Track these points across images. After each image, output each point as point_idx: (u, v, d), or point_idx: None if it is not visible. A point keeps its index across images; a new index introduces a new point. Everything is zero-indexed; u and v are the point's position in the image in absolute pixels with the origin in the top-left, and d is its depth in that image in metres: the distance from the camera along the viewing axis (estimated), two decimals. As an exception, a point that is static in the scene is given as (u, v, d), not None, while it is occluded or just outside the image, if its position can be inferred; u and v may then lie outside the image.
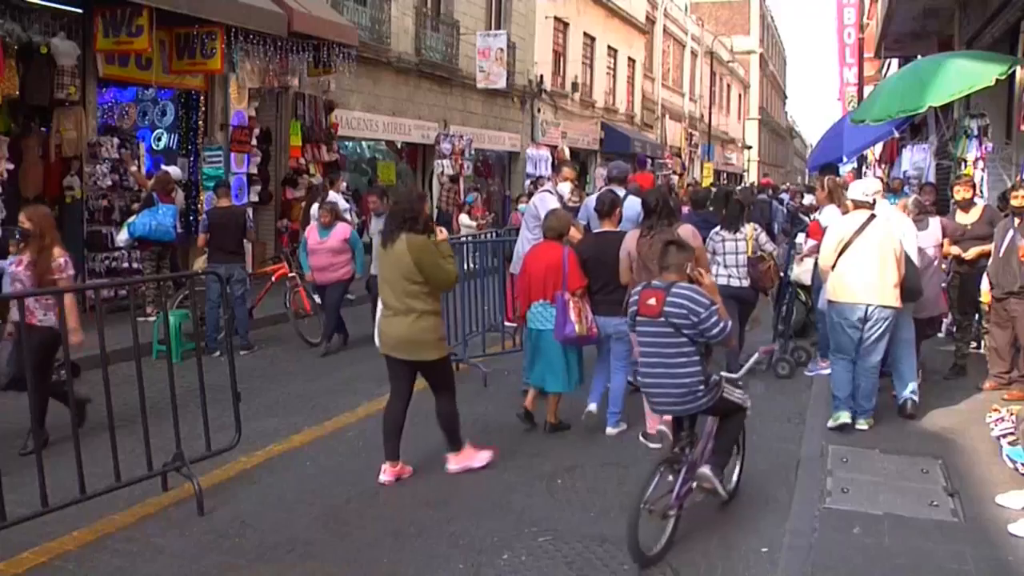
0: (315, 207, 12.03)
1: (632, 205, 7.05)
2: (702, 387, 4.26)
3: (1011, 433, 5.41)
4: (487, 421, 6.56)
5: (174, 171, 10.76)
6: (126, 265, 10.59)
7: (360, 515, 4.76)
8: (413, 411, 5.37)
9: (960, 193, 7.62)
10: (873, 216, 5.91)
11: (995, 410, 5.96)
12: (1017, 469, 5.10)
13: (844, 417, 5.96)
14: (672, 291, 4.26)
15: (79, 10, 10.01)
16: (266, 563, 4.18)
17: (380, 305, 5.42)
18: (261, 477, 5.36)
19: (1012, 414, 5.58)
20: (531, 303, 6.10)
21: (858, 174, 23.57)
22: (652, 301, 4.31)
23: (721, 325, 4.24)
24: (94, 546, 4.34)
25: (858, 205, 6.02)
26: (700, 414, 4.41)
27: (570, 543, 4.37)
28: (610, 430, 6.18)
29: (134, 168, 10.62)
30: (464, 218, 15.24)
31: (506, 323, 9.51)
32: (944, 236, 7.09)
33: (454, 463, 5.41)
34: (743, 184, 38.61)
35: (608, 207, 6.23)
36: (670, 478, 4.16)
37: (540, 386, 6.22)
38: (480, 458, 5.44)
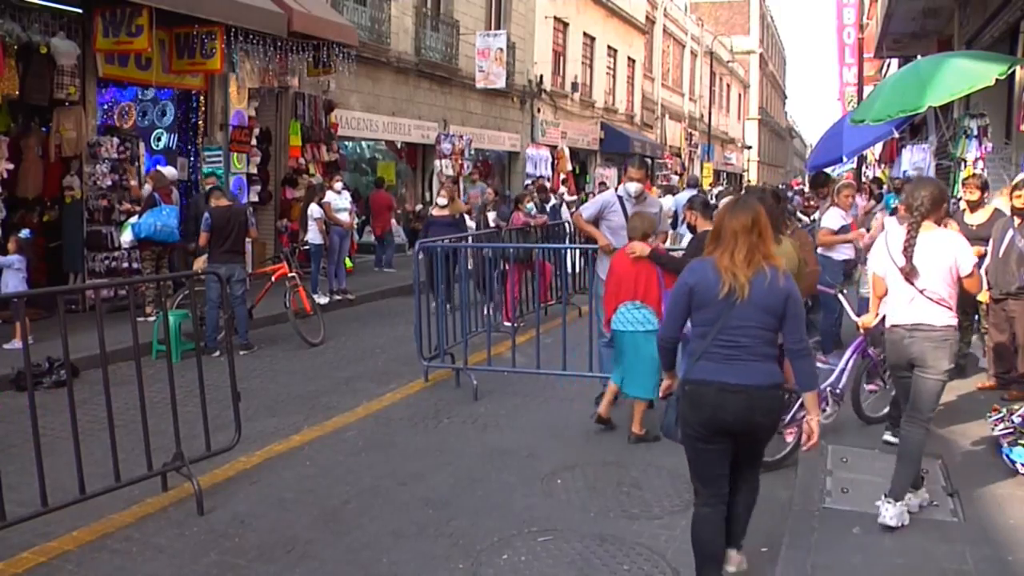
0: (312, 206, 12.07)
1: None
2: None
3: (1011, 433, 5.40)
4: (486, 420, 6.57)
5: (168, 171, 10.73)
6: (126, 265, 10.58)
7: (360, 515, 4.76)
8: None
9: (969, 193, 7.61)
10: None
11: (995, 410, 5.94)
12: (1017, 470, 5.10)
13: None
14: None
15: (79, 10, 10.01)
16: (266, 563, 4.18)
17: None
18: (261, 477, 5.36)
19: (1012, 414, 5.56)
20: (619, 304, 5.99)
21: (858, 174, 23.60)
22: None
23: None
24: (94, 546, 4.34)
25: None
26: None
27: (570, 543, 4.37)
28: None
29: (135, 183, 10.58)
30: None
31: (505, 323, 9.52)
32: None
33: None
34: (745, 184, 39.56)
35: (710, 209, 6.36)
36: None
37: (621, 388, 6.10)
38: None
